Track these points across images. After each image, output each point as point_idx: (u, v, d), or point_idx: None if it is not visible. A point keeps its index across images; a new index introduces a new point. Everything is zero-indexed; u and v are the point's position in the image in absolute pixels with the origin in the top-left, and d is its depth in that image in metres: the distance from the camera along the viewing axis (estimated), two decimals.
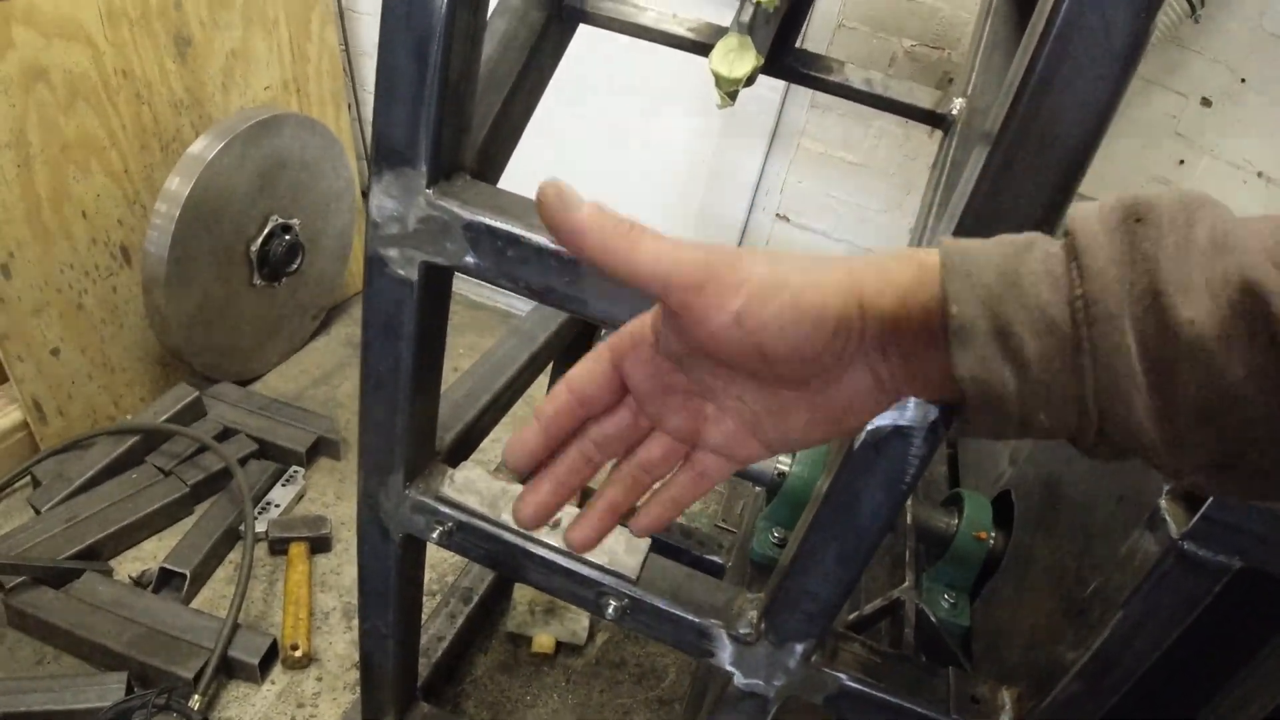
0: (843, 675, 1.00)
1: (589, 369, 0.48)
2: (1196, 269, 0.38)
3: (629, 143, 2.60)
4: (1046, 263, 0.41)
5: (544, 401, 0.49)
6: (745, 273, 0.41)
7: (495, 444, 2.12)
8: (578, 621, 1.80)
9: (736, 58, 0.90)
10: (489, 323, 2.87)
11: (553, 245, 0.81)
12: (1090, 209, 0.42)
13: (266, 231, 2.23)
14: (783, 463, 1.36)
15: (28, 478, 1.93)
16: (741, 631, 0.99)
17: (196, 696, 1.52)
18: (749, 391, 0.46)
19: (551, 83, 1.12)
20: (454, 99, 0.83)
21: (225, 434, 2.08)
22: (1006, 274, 0.41)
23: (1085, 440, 0.42)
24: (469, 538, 1.07)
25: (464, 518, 1.05)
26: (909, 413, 0.76)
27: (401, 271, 0.89)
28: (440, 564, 1.97)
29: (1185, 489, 0.46)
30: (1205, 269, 0.38)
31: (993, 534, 1.34)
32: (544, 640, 1.79)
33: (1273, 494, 0.41)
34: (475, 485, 1.06)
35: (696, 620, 1.01)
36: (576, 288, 0.82)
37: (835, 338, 0.42)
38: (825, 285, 0.42)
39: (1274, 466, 0.39)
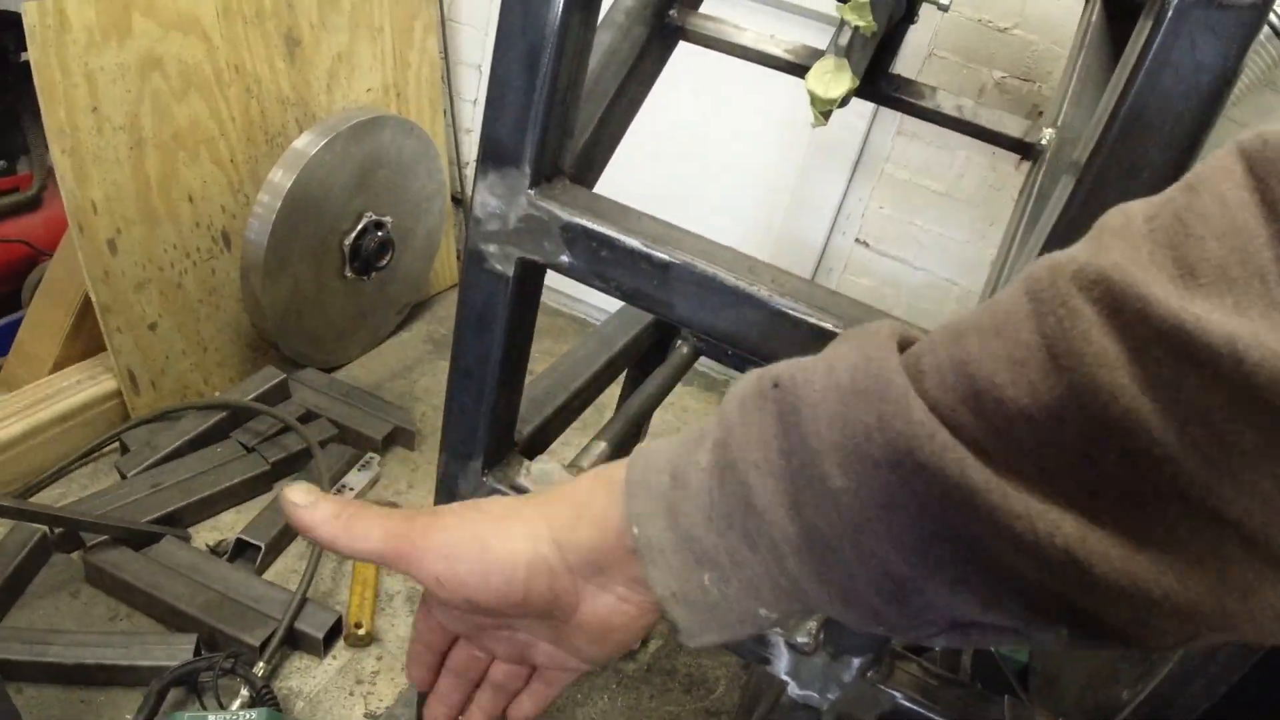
0: (897, 694, 1.01)
1: (420, 619, 0.53)
2: (839, 428, 0.34)
3: (712, 162, 2.64)
4: (715, 454, 0.40)
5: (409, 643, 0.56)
6: (438, 538, 0.44)
7: (565, 446, 2.16)
8: None
9: (833, 79, 0.92)
10: (566, 329, 2.93)
11: (645, 248, 0.84)
12: (738, 383, 0.41)
13: (360, 227, 2.31)
14: None
15: (117, 444, 2.03)
16: (800, 641, 1.01)
17: (261, 664, 1.58)
18: (530, 627, 0.48)
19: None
20: (560, 106, 0.86)
21: (307, 417, 2.16)
22: (677, 475, 0.41)
23: (807, 616, 0.42)
24: None
25: None
26: None
27: (499, 267, 0.93)
28: None
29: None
30: (847, 426, 0.34)
31: None
32: None
33: (1033, 644, 0.40)
34: (550, 477, 1.10)
35: None
36: (664, 291, 0.85)
37: (533, 579, 0.43)
38: (513, 533, 0.44)
39: (1010, 627, 0.35)
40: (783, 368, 0.38)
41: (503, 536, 0.44)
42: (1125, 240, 0.31)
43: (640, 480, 0.42)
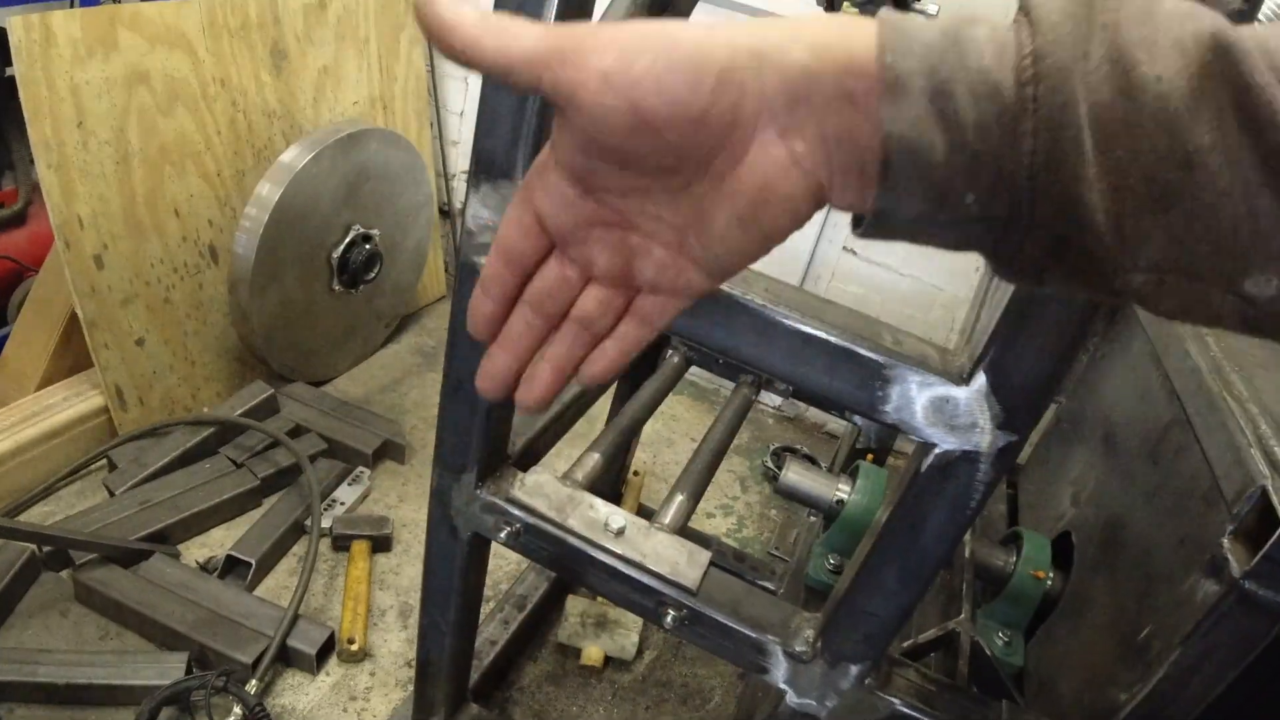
0: (895, 700, 1.02)
1: (507, 220, 0.45)
2: (1163, 30, 0.35)
3: None
4: (994, 32, 0.38)
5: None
6: (615, 31, 0.38)
7: (556, 457, 2.16)
8: (627, 637, 1.82)
9: None
10: None
11: None
12: None
13: (348, 240, 2.31)
14: (841, 490, 1.38)
15: (104, 460, 2.01)
16: (798, 649, 1.01)
17: (254, 681, 1.57)
18: (662, 204, 0.42)
19: None
20: (551, 117, 0.87)
21: (296, 431, 2.15)
22: (949, 34, 0.38)
23: (1012, 239, 0.39)
24: (534, 539, 1.10)
25: (531, 519, 1.09)
26: (977, 438, 0.78)
27: None
28: (495, 571, 2.01)
29: (1127, 297, 0.39)
30: (1173, 30, 0.35)
31: (1051, 574, 1.34)
32: (593, 653, 1.81)
33: (1206, 315, 0.38)
34: (544, 489, 1.10)
35: (753, 635, 1.02)
36: None
37: (723, 89, 0.38)
38: (707, 38, 0.38)
39: (1215, 276, 0.37)
40: None
41: (695, 39, 0.38)
42: None
43: (899, 24, 0.38)
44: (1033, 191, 0.37)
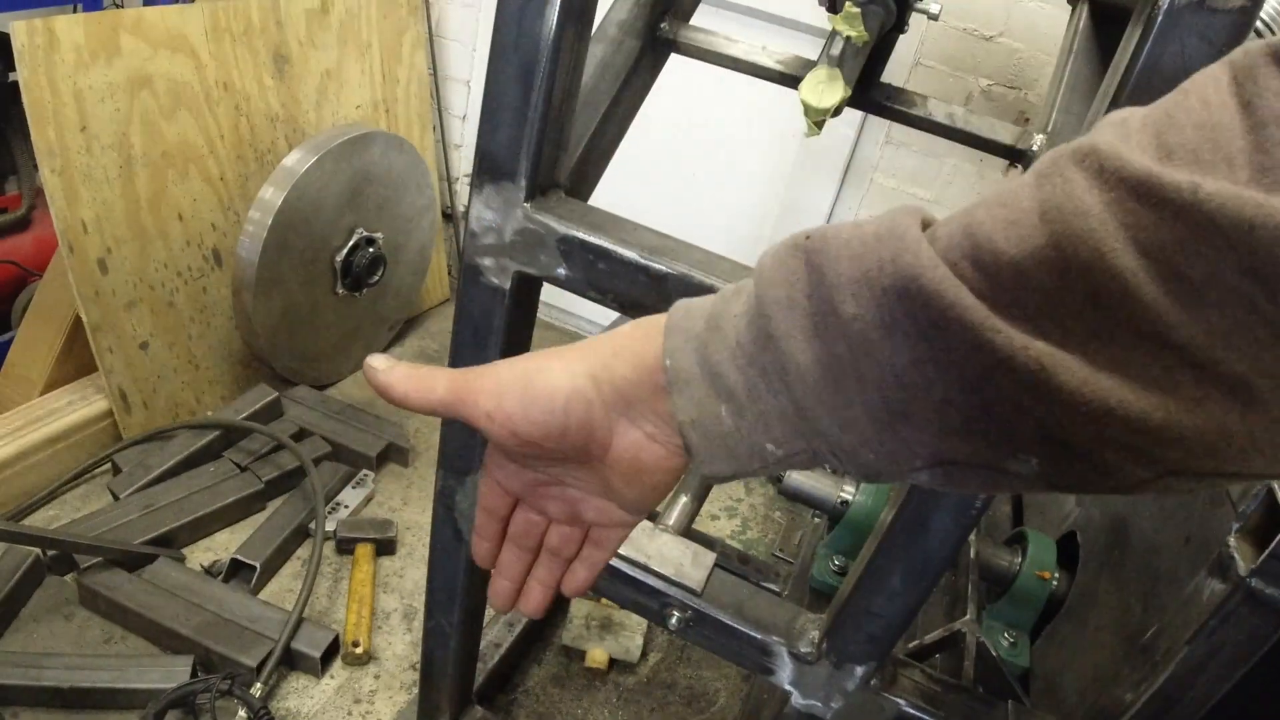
0: (901, 701, 1.01)
1: (483, 485, 0.57)
2: (857, 264, 0.39)
3: (702, 173, 2.65)
4: (749, 305, 0.44)
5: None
6: (489, 379, 0.49)
7: None
8: (632, 639, 1.82)
9: (826, 89, 0.93)
10: (559, 344, 2.92)
11: (643, 260, 0.84)
12: (775, 249, 0.44)
13: (351, 243, 2.31)
14: (846, 491, 1.37)
15: (109, 464, 2.01)
16: (803, 650, 1.01)
17: (258, 685, 1.57)
18: (576, 473, 0.53)
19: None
20: (554, 120, 0.87)
21: (301, 435, 2.15)
22: (712, 320, 0.45)
23: (829, 463, 0.44)
24: None
25: None
26: None
27: (495, 280, 0.93)
28: None
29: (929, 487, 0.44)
30: (864, 261, 0.39)
31: (1056, 574, 1.34)
32: (598, 655, 1.81)
33: (1010, 488, 0.41)
34: None
35: (758, 636, 1.02)
36: (662, 303, 0.85)
37: (571, 409, 0.48)
38: (553, 369, 0.49)
39: (981, 464, 0.39)
40: (816, 228, 0.42)
41: (545, 373, 0.49)
42: (1118, 128, 0.37)
43: (679, 324, 0.47)
44: (808, 435, 0.43)
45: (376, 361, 0.51)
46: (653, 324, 0.49)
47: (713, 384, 0.45)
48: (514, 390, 0.49)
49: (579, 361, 0.49)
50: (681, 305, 0.48)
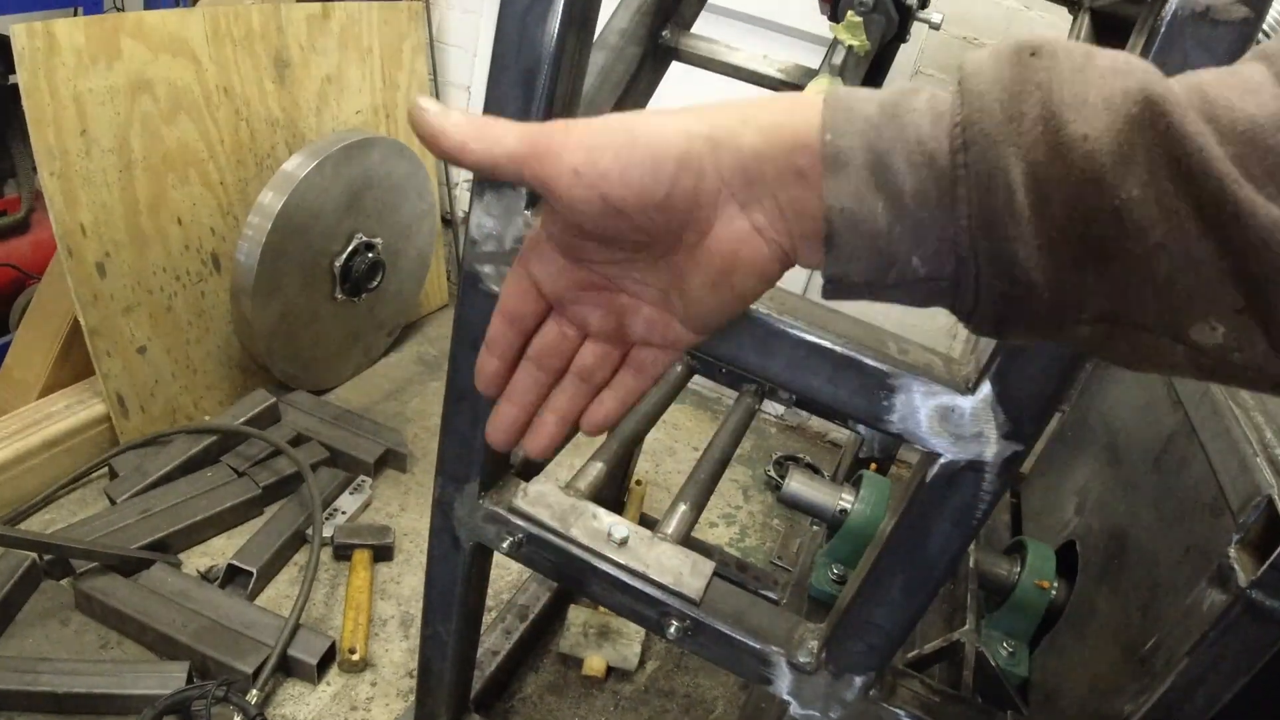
0: (900, 712, 1.01)
1: (508, 285, 0.50)
2: (1094, 88, 0.36)
3: None
4: (932, 100, 0.40)
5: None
6: (583, 129, 0.42)
7: (559, 467, 2.15)
8: (629, 647, 1.82)
9: None
10: None
11: None
12: (984, 50, 0.40)
13: (351, 248, 2.31)
14: (845, 500, 1.37)
15: (106, 469, 2.01)
16: (801, 660, 1.00)
17: (254, 691, 1.56)
18: (643, 270, 0.46)
19: None
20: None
21: (298, 440, 2.15)
22: (887, 107, 0.40)
23: (965, 297, 0.40)
24: (537, 549, 1.09)
25: (534, 530, 1.08)
26: (983, 448, 0.77)
27: (495, 288, 0.92)
28: (497, 580, 2.00)
29: (1079, 347, 0.41)
30: (1103, 87, 0.36)
31: (1055, 584, 1.34)
32: (595, 663, 1.80)
33: (1163, 363, 0.39)
34: (547, 499, 1.09)
35: (757, 646, 1.02)
36: None
37: (680, 175, 0.41)
38: (666, 126, 0.42)
39: (1161, 326, 0.38)
40: (1037, 39, 0.39)
41: (654, 127, 0.42)
42: None
43: (841, 101, 0.41)
44: (974, 252, 0.39)
45: (427, 103, 0.43)
46: (798, 99, 0.42)
47: (877, 175, 0.39)
48: (613, 144, 0.41)
49: (697, 121, 0.42)
50: (842, 90, 0.42)
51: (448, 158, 0.43)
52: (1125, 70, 0.37)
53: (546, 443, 0.51)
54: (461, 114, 0.43)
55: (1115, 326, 0.38)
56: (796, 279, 2.61)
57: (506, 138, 0.42)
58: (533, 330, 0.50)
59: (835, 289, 0.43)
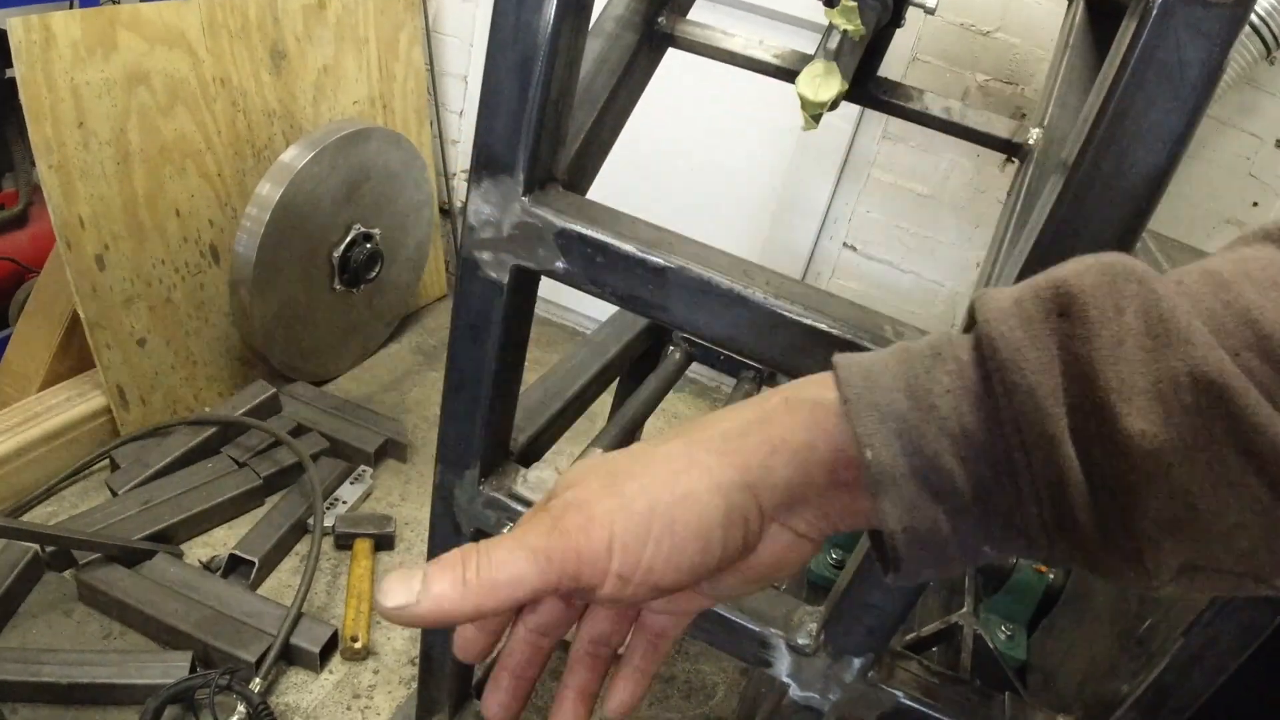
0: (899, 693, 1.02)
1: (517, 641, 0.44)
2: (1138, 371, 0.33)
3: (699, 168, 2.65)
4: (963, 376, 0.36)
5: None
6: (603, 532, 0.37)
7: (558, 455, 2.16)
8: None
9: (822, 82, 0.93)
10: (556, 339, 2.93)
11: (640, 253, 0.85)
12: (1001, 300, 0.37)
13: (349, 239, 2.31)
14: None
15: (107, 461, 2.01)
16: (801, 642, 1.01)
17: (257, 680, 1.57)
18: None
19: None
20: (552, 114, 0.87)
21: (299, 431, 2.15)
22: (918, 397, 0.36)
23: (1038, 556, 0.38)
24: None
25: None
26: None
27: (493, 274, 0.93)
28: None
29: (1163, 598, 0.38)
30: (1148, 369, 0.33)
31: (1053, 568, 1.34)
32: None
33: (1245, 589, 0.37)
34: (546, 485, 1.10)
35: (756, 628, 1.03)
36: (660, 295, 0.86)
37: (729, 535, 0.38)
38: (698, 494, 0.38)
39: (1245, 576, 0.36)
40: (1061, 286, 0.36)
41: (688, 502, 0.38)
42: None
43: (865, 398, 0.37)
44: (1048, 540, 0.36)
45: (390, 587, 0.37)
46: (816, 402, 0.39)
47: (927, 482, 0.36)
48: (648, 533, 0.37)
49: (726, 468, 0.38)
50: (853, 368, 0.38)
51: (459, 623, 0.38)
52: (1165, 337, 0.34)
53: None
54: (445, 574, 0.36)
55: (1196, 575, 0.36)
56: (800, 250, 2.61)
57: (521, 578, 0.36)
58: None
59: (901, 583, 0.41)
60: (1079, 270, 0.36)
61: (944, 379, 0.36)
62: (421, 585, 0.36)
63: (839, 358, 0.39)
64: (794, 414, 0.39)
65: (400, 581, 0.37)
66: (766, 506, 0.39)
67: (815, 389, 0.40)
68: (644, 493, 0.38)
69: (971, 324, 0.38)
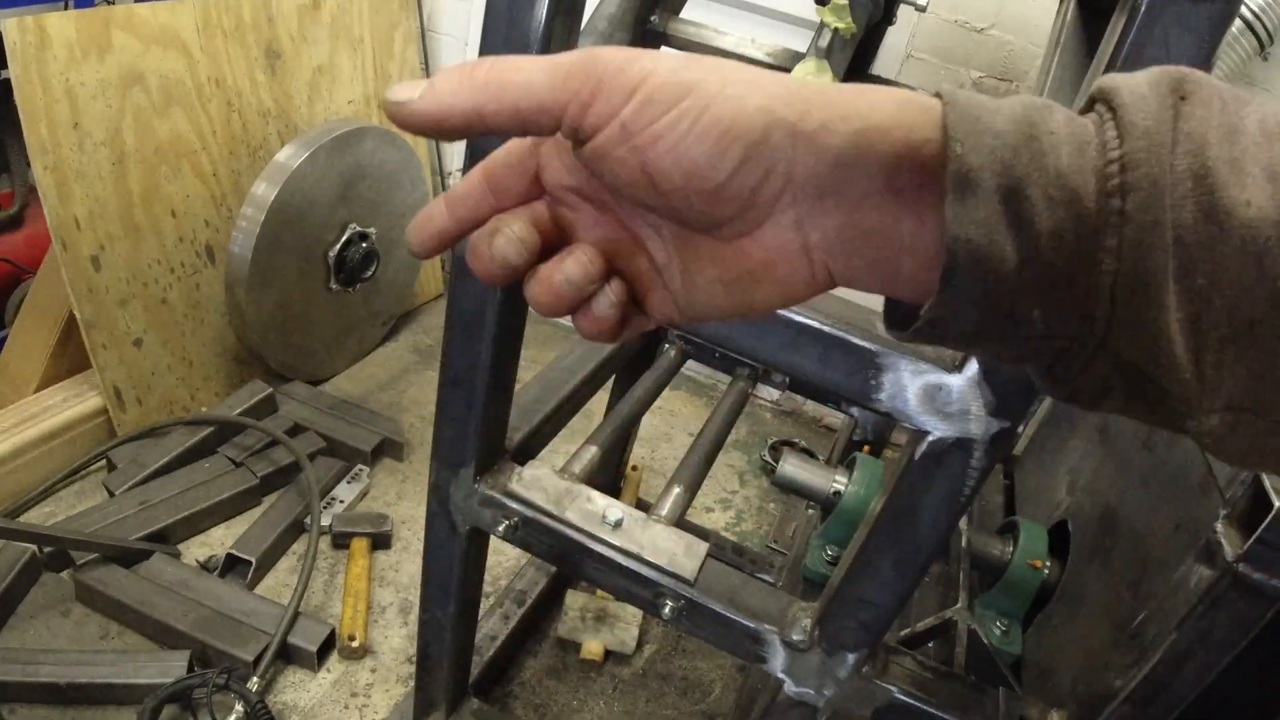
0: (893, 688, 1.02)
1: (508, 146, 0.40)
2: (1249, 154, 0.31)
3: None
4: (1071, 125, 0.33)
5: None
6: (647, 66, 0.34)
7: (553, 453, 2.16)
8: (627, 630, 1.83)
9: (814, 80, 0.93)
10: (551, 338, 2.93)
11: None
12: (1134, 74, 0.34)
13: (344, 239, 2.31)
14: (839, 481, 1.38)
15: (104, 461, 2.01)
16: (795, 638, 1.02)
17: (255, 679, 1.57)
18: (662, 228, 0.39)
19: None
20: None
21: (295, 430, 2.15)
22: (1021, 124, 0.33)
23: (1076, 361, 0.35)
24: (533, 533, 1.11)
25: (530, 513, 1.09)
26: (970, 425, 0.78)
27: None
28: (494, 567, 2.01)
29: (1198, 438, 0.34)
30: (1260, 155, 0.31)
31: (1047, 563, 1.35)
32: (593, 647, 1.82)
33: (1274, 461, 0.34)
34: (542, 483, 1.10)
35: (751, 625, 1.03)
36: None
37: (746, 166, 0.34)
38: (747, 100, 0.33)
39: None
40: (1188, 78, 0.33)
41: (733, 97, 0.33)
42: None
43: (963, 106, 0.33)
44: (1110, 315, 0.33)
45: (402, 90, 0.35)
46: (907, 96, 0.35)
47: (1011, 208, 0.32)
48: (678, 105, 0.33)
49: (785, 104, 0.34)
50: (960, 92, 0.34)
51: (457, 133, 0.35)
52: (1277, 136, 0.32)
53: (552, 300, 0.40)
54: (449, 75, 0.35)
55: (1243, 415, 0.33)
56: None
57: (533, 81, 0.34)
58: (509, 207, 0.39)
59: (929, 333, 0.36)
60: (1195, 73, 0.34)
61: (1053, 123, 0.33)
62: (426, 83, 0.35)
63: (948, 86, 0.35)
64: (878, 98, 0.35)
65: (410, 82, 0.35)
66: (798, 172, 0.34)
67: (910, 93, 0.35)
68: (695, 71, 0.34)
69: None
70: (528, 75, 0.34)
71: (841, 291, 0.83)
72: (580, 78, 0.34)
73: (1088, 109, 0.35)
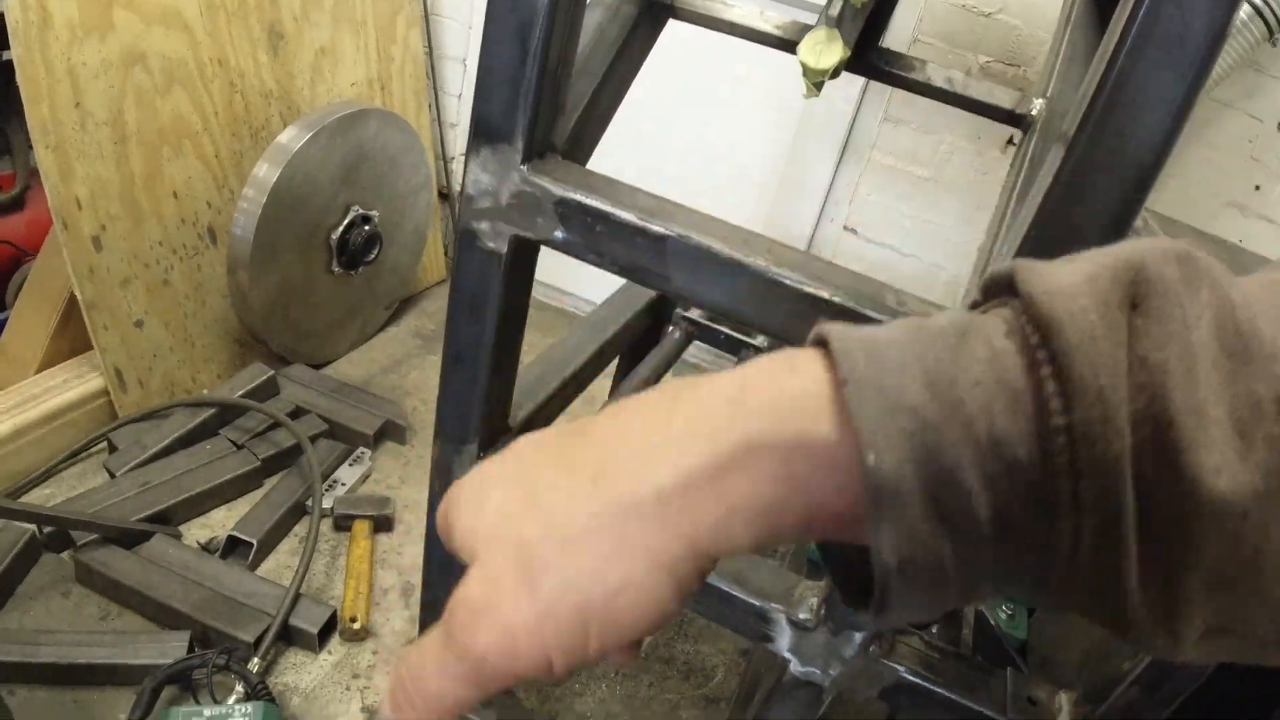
0: (900, 668, 1.01)
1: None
2: (1212, 391, 0.27)
3: (698, 146, 2.64)
4: (994, 365, 0.28)
5: None
6: (539, 645, 0.32)
7: None
8: None
9: (824, 49, 0.92)
10: (554, 323, 2.92)
11: (641, 222, 0.84)
12: (1066, 275, 0.29)
13: (347, 221, 2.30)
14: None
15: (105, 443, 2.01)
16: (801, 617, 1.01)
17: (255, 660, 1.57)
18: None
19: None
20: (550, 83, 0.86)
21: (297, 413, 2.15)
22: (939, 388, 0.28)
23: (1042, 604, 0.33)
24: None
25: None
26: None
27: (491, 245, 0.92)
28: None
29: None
30: (1223, 393, 0.27)
31: None
32: None
33: (1268, 659, 0.32)
34: None
35: (757, 604, 1.02)
36: (661, 264, 0.85)
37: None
38: (637, 581, 0.32)
39: (1272, 640, 0.30)
40: (1141, 273, 0.29)
41: (627, 593, 0.32)
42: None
43: (871, 382, 0.28)
44: (1070, 583, 0.30)
45: None
46: (806, 393, 0.30)
47: (938, 504, 0.28)
48: (589, 633, 0.32)
49: (670, 542, 0.31)
50: (852, 341, 0.30)
51: None
52: (1244, 355, 0.28)
53: None
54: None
55: (1216, 638, 0.30)
56: (800, 233, 2.60)
57: (464, 698, 0.35)
58: None
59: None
60: (1158, 257, 0.29)
61: (974, 368, 0.28)
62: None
63: (830, 327, 0.30)
64: (756, 459, 0.30)
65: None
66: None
67: (788, 377, 0.31)
68: (569, 590, 0.32)
69: (987, 300, 0.31)
70: (452, 700, 0.34)
71: (853, 263, 0.81)
72: (500, 678, 0.34)
73: (998, 302, 0.31)
